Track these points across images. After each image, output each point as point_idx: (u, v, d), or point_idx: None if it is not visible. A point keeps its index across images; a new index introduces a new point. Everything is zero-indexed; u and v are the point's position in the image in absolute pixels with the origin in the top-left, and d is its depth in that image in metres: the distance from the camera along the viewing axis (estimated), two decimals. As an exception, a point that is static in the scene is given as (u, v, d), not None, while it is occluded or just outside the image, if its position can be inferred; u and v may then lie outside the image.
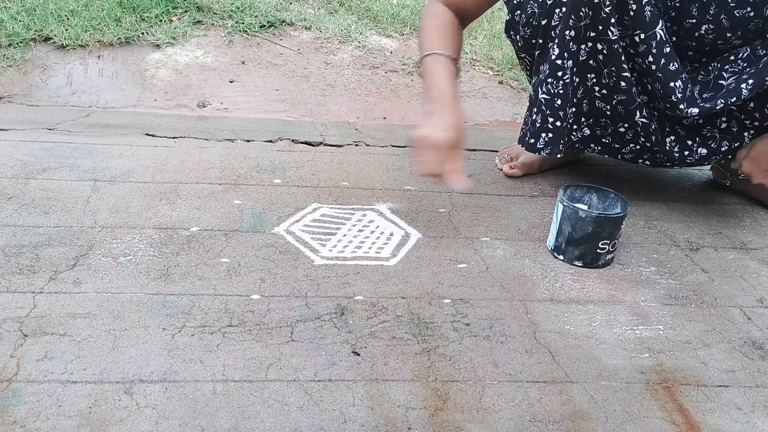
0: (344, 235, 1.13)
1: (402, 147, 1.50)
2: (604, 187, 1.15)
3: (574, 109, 1.18)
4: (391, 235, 1.15)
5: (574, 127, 1.21)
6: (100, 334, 0.86)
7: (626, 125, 1.18)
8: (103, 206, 1.14)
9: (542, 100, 1.18)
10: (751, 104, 1.18)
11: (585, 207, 1.14)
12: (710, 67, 1.17)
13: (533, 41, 1.19)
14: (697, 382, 0.88)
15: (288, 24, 2.08)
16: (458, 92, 1.16)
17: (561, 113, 1.16)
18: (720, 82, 1.15)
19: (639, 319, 1.00)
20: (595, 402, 0.83)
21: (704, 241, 1.23)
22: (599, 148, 1.26)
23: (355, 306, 0.96)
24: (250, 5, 2.07)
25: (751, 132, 1.20)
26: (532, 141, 1.22)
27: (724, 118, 1.22)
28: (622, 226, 1.10)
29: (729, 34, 1.13)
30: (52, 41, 1.82)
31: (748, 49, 1.13)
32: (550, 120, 1.17)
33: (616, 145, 1.24)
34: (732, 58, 1.15)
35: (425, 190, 1.31)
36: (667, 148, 1.22)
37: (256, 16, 2.04)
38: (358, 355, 0.87)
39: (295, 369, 0.83)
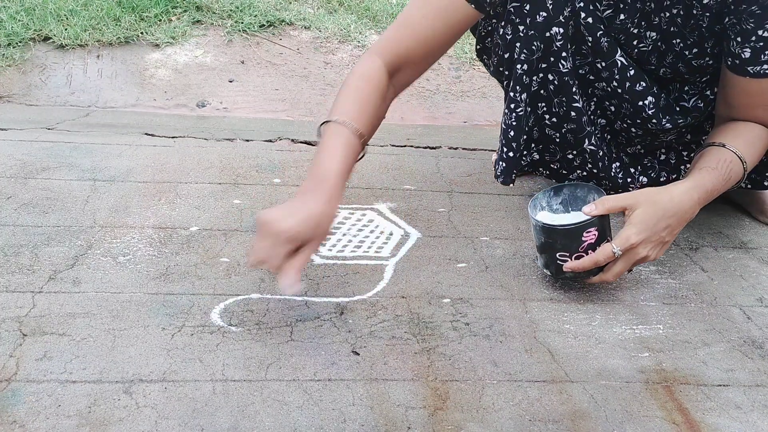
0: (344, 235, 1.13)
1: (402, 146, 1.50)
2: (597, 187, 1.07)
3: (525, 136, 1.18)
4: (391, 234, 1.15)
5: (524, 152, 1.21)
6: (100, 334, 0.86)
7: (575, 152, 1.19)
8: (103, 206, 1.14)
9: (502, 128, 1.18)
10: (688, 136, 1.21)
11: (545, 212, 1.05)
12: (671, 87, 1.19)
13: (501, 69, 1.19)
14: (697, 382, 0.88)
15: (287, 24, 2.08)
16: (347, 174, 0.94)
17: (514, 144, 1.15)
18: (682, 104, 1.18)
19: (639, 318, 1.00)
20: (594, 401, 0.83)
21: (704, 240, 1.23)
22: (547, 172, 1.26)
23: (354, 305, 0.96)
24: (250, 5, 2.07)
25: (688, 165, 1.19)
26: (495, 168, 1.19)
27: (663, 150, 1.24)
28: (584, 239, 0.97)
29: (687, 77, 1.15)
30: (51, 41, 1.82)
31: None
32: (505, 150, 1.17)
33: (564, 171, 1.24)
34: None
35: (425, 190, 1.31)
36: (612, 173, 1.22)
37: (255, 16, 2.04)
38: (358, 354, 0.87)
39: (294, 368, 0.83)
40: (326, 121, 0.95)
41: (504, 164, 1.17)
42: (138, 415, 0.74)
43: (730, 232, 1.26)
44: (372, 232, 1.15)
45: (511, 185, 1.18)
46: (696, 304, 1.04)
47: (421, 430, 0.76)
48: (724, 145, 1.06)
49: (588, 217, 0.97)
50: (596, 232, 0.98)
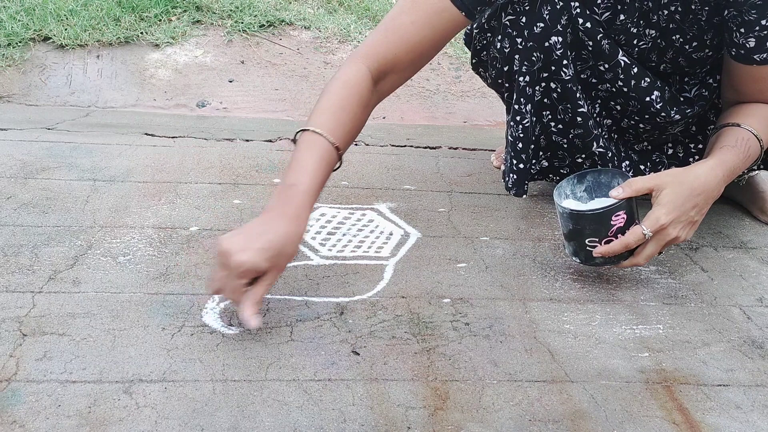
0: (344, 235, 1.13)
1: (402, 146, 1.50)
2: (620, 171, 1.05)
3: (532, 146, 1.18)
4: (391, 234, 1.15)
5: (533, 161, 1.21)
6: (100, 334, 0.85)
7: (583, 156, 1.19)
8: (103, 206, 1.14)
9: (509, 140, 1.18)
10: (694, 128, 1.22)
11: (570, 200, 1.05)
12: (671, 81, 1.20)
13: (499, 81, 1.19)
14: (697, 382, 0.88)
15: (287, 23, 2.08)
16: (319, 189, 0.91)
17: (523, 156, 1.16)
18: (684, 95, 1.19)
19: (638, 318, 1.00)
20: (594, 401, 0.83)
21: (704, 240, 1.23)
22: (557, 178, 1.27)
23: (354, 305, 0.96)
24: (250, 5, 2.07)
25: (696, 157, 1.22)
26: (506, 179, 1.20)
27: (670, 144, 1.25)
28: (613, 223, 0.97)
29: (688, 70, 1.16)
30: (51, 41, 1.82)
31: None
32: (515, 162, 1.17)
33: None
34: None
35: (425, 190, 1.31)
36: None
37: (255, 16, 2.04)
38: (358, 354, 0.87)
39: (294, 368, 0.83)
40: (303, 129, 0.93)
41: (515, 176, 1.17)
42: (138, 415, 0.74)
43: (730, 232, 1.27)
44: (372, 232, 1.15)
45: (525, 196, 1.19)
46: (696, 304, 1.04)
47: (421, 430, 0.76)
48: (739, 125, 1.07)
49: (616, 201, 0.97)
50: (625, 215, 0.97)
